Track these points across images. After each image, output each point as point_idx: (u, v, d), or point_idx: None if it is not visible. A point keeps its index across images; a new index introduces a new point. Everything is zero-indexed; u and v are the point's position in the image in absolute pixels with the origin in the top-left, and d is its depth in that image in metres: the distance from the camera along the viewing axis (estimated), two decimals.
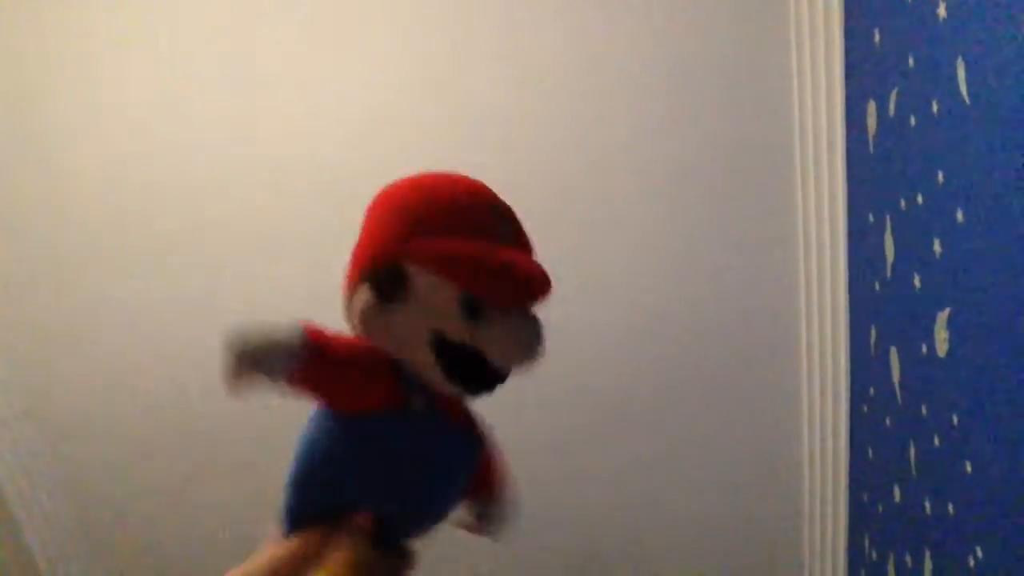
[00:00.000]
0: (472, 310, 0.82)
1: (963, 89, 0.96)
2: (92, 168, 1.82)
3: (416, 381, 0.90)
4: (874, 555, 1.48)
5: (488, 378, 0.92)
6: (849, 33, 1.45)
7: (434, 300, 0.83)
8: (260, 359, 0.86)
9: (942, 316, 1.08)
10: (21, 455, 1.90)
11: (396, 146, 1.74)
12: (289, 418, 0.79)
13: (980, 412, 0.97)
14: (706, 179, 1.70)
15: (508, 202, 0.83)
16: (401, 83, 1.73)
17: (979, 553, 0.99)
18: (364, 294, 0.89)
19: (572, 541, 1.88)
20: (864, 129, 1.40)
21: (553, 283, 0.84)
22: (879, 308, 1.38)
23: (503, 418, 1.86)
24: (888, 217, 1.30)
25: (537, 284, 0.86)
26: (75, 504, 2.00)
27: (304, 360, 0.87)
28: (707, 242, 1.72)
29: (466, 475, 0.99)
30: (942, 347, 1.08)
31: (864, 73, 1.39)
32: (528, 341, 0.86)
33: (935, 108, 1.06)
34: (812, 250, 1.64)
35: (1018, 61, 0.82)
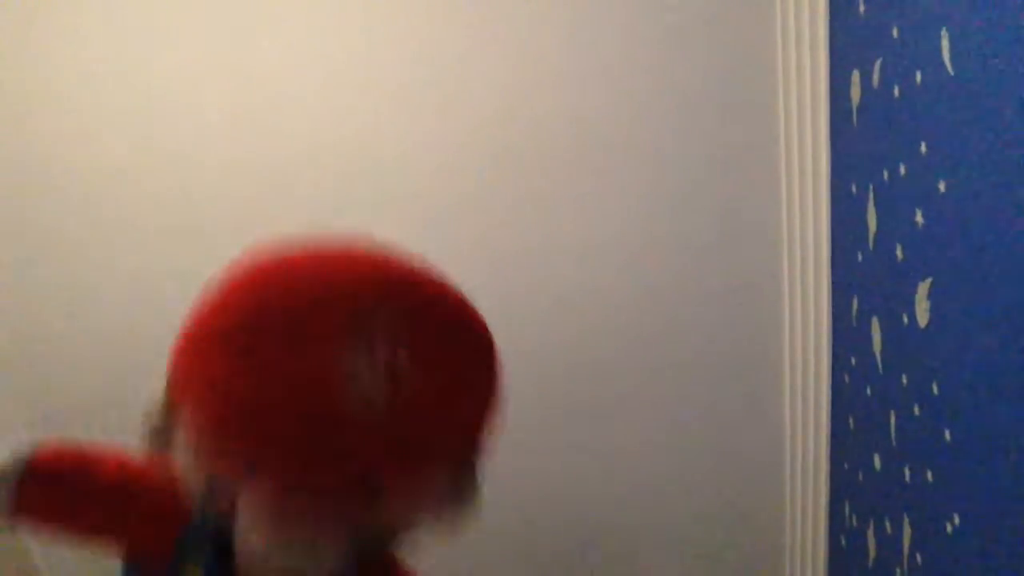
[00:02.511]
0: None
1: (947, 60, 0.96)
2: (89, 167, 1.79)
3: (193, 551, 0.70)
4: (854, 522, 1.50)
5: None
6: (834, 3, 1.45)
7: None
8: None
9: (924, 286, 1.08)
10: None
11: (385, 120, 1.74)
12: None
13: (960, 382, 0.98)
14: (689, 149, 1.69)
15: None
16: (389, 57, 1.72)
17: (956, 520, 1.00)
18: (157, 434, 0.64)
19: (559, 516, 1.89)
20: (848, 99, 1.40)
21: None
22: (861, 278, 1.39)
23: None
24: (871, 187, 1.30)
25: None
26: None
27: (32, 491, 0.70)
28: (690, 213, 1.72)
29: None
30: (923, 317, 1.09)
31: (848, 43, 1.39)
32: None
33: (919, 79, 1.05)
34: (795, 220, 1.64)
35: (1001, 32, 0.82)
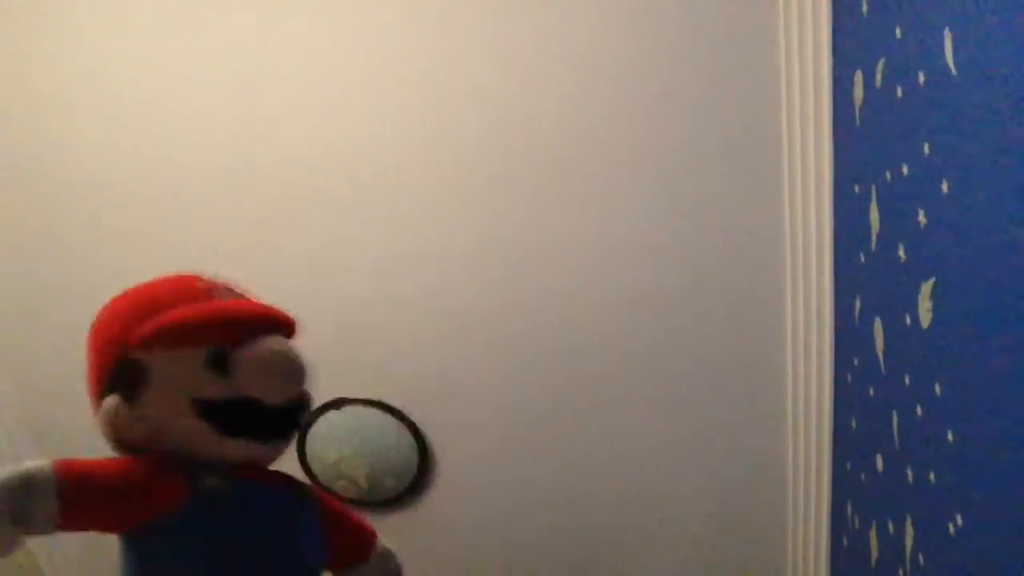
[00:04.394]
0: (217, 363, 0.85)
1: (949, 60, 0.96)
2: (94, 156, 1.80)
3: (201, 465, 0.87)
4: (857, 522, 1.50)
5: (269, 420, 0.89)
6: (837, 3, 1.44)
7: (176, 371, 0.85)
8: (15, 515, 0.77)
9: (926, 287, 1.08)
10: (17, 454, 1.89)
11: (392, 121, 1.74)
12: None
13: (963, 382, 0.98)
14: (692, 149, 1.69)
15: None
16: (403, 65, 1.72)
17: (959, 520, 1.00)
18: (109, 402, 0.88)
19: (561, 516, 1.89)
20: (851, 99, 1.39)
21: (286, 318, 0.92)
22: (864, 278, 1.39)
23: (494, 396, 1.87)
24: (874, 188, 1.30)
25: (265, 318, 0.90)
26: None
27: (66, 502, 0.80)
28: (692, 213, 1.72)
29: (310, 540, 0.94)
30: (926, 317, 1.09)
31: (851, 43, 1.38)
32: (279, 364, 0.87)
33: (921, 79, 1.05)
34: (798, 221, 1.64)
35: (1004, 33, 0.82)
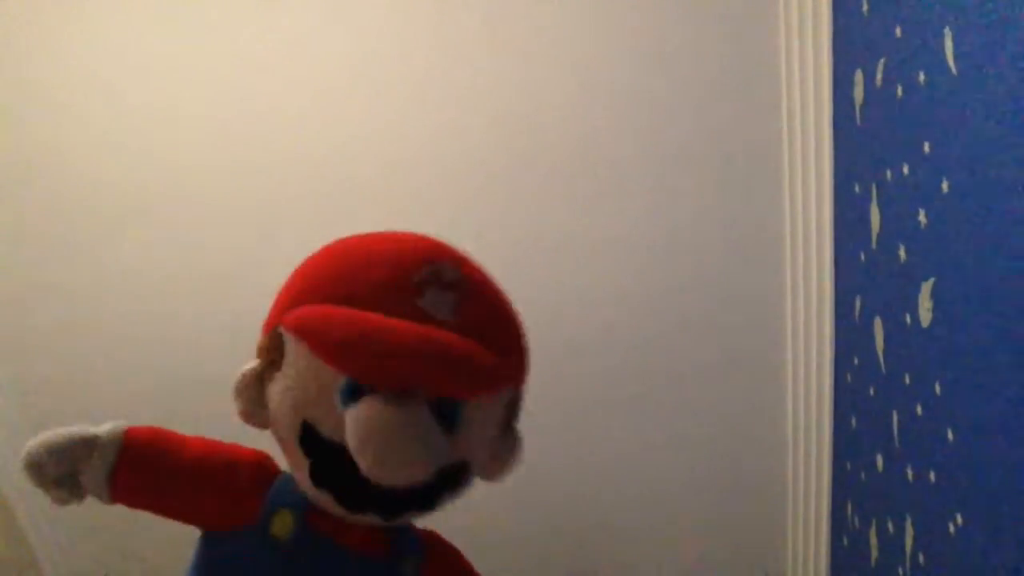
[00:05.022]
0: (346, 398, 0.67)
1: (950, 59, 0.95)
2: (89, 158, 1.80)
3: (285, 498, 0.75)
4: (857, 522, 1.50)
5: (363, 489, 0.70)
6: (837, 2, 1.44)
7: (305, 375, 0.70)
8: (68, 463, 0.74)
9: (927, 286, 1.08)
10: (17, 451, 1.89)
11: (397, 118, 1.74)
12: None
13: (963, 381, 0.98)
14: (692, 149, 1.69)
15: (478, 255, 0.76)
16: (392, 60, 1.72)
17: (959, 520, 1.00)
18: (246, 366, 0.77)
19: (560, 516, 1.89)
20: (851, 99, 1.39)
21: (493, 371, 0.71)
22: (864, 278, 1.39)
23: None
24: (874, 187, 1.30)
25: (439, 367, 0.66)
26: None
27: (124, 466, 0.76)
28: (692, 213, 1.72)
29: None
30: (926, 317, 1.09)
31: (851, 42, 1.38)
32: (388, 441, 0.64)
33: (922, 78, 1.05)
34: (798, 220, 1.64)
35: (1004, 32, 0.82)
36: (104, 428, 0.78)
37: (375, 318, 0.69)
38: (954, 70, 0.95)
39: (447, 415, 0.72)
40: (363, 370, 0.69)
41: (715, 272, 1.74)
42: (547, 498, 1.88)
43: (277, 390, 0.74)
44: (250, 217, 1.79)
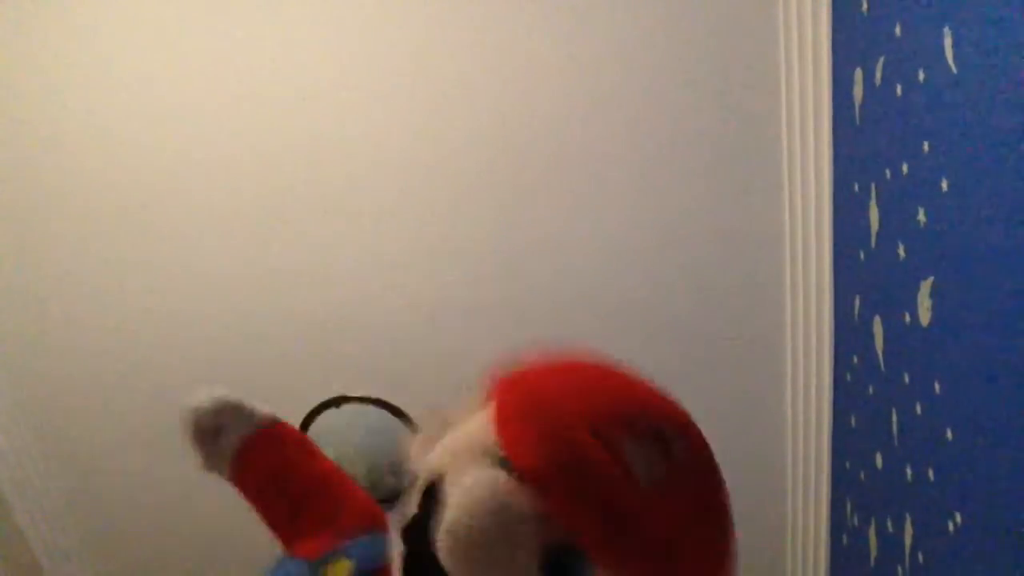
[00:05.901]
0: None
1: (949, 58, 0.95)
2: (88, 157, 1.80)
3: (359, 551, 0.70)
4: (856, 521, 1.50)
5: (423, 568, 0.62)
6: (837, 1, 1.44)
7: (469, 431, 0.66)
8: (218, 421, 0.79)
9: (926, 285, 1.08)
10: (16, 449, 1.89)
11: (392, 119, 1.74)
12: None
13: (962, 380, 0.98)
14: (691, 148, 1.69)
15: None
16: (386, 62, 1.72)
17: (958, 518, 1.00)
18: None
19: None
20: (850, 98, 1.39)
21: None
22: (863, 277, 1.39)
23: None
24: (873, 186, 1.30)
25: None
26: (73, 502, 1.99)
27: (259, 443, 0.80)
28: (692, 212, 1.72)
29: None
30: (925, 316, 1.09)
31: (851, 41, 1.38)
32: (465, 528, 0.57)
33: (921, 77, 1.05)
34: (797, 219, 1.64)
35: (1004, 31, 0.82)
36: (264, 408, 0.81)
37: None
38: (954, 69, 0.95)
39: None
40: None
41: (714, 271, 1.74)
42: None
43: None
44: (251, 216, 1.79)
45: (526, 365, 0.70)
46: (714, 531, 0.73)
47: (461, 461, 0.62)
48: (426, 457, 0.66)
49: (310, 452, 0.85)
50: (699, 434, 0.74)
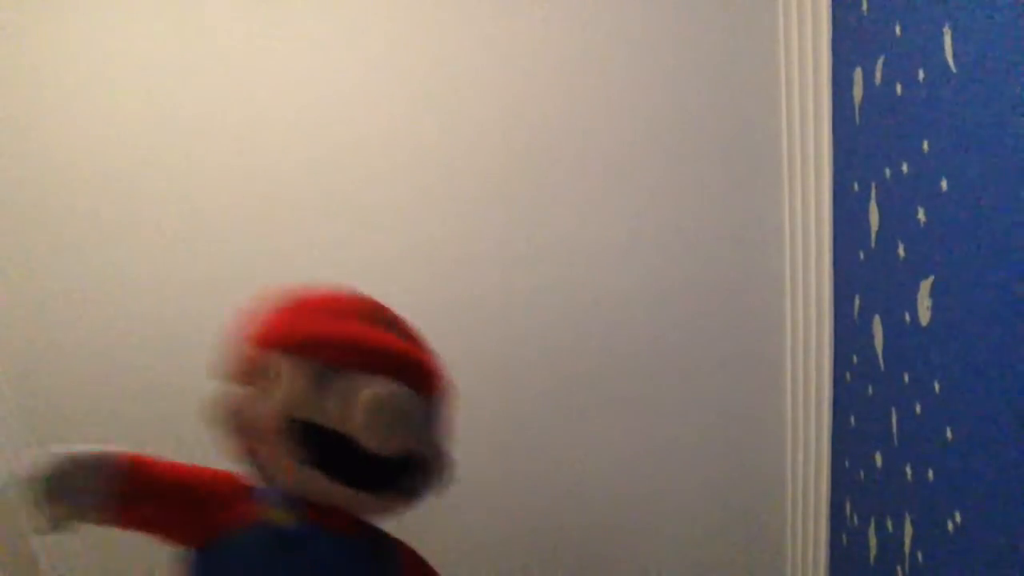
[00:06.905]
0: (321, 379, 0.78)
1: (949, 57, 0.95)
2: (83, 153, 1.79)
3: (279, 494, 0.82)
4: (855, 520, 1.50)
5: (360, 464, 0.81)
6: (836, 0, 1.44)
7: (283, 378, 0.79)
8: (67, 490, 0.77)
9: (925, 284, 1.08)
10: (16, 449, 1.89)
11: (390, 121, 1.74)
12: None
13: (962, 380, 0.98)
14: (691, 147, 1.69)
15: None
16: (389, 63, 1.72)
17: (958, 518, 1.00)
18: (221, 389, 0.84)
19: (558, 514, 1.89)
20: (850, 97, 1.39)
21: (435, 370, 0.90)
22: (863, 277, 1.39)
23: (493, 395, 1.87)
24: (873, 185, 1.30)
25: (396, 357, 0.84)
26: None
27: (121, 492, 0.80)
28: (691, 211, 1.72)
29: None
30: (925, 315, 1.09)
31: (850, 41, 1.38)
32: (388, 408, 0.78)
33: (921, 77, 1.05)
34: (797, 218, 1.64)
35: (1004, 30, 0.82)
36: (99, 449, 0.81)
37: (345, 322, 0.85)
38: (954, 69, 0.95)
39: None
40: (338, 357, 0.82)
41: (713, 271, 1.74)
42: (546, 496, 1.88)
43: (256, 402, 0.80)
44: (251, 217, 1.79)
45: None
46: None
47: (335, 391, 0.78)
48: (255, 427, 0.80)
49: (158, 461, 0.86)
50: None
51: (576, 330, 1.79)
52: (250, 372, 0.84)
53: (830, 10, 1.46)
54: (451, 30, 1.70)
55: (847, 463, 1.55)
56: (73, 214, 1.82)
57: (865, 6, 1.29)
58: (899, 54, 1.14)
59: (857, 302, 1.43)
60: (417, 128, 1.73)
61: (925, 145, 1.05)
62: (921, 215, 1.08)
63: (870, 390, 1.38)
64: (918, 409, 1.14)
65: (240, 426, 0.84)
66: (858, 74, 1.34)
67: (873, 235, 1.31)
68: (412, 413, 0.81)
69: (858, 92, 1.35)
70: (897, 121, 1.16)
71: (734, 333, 1.77)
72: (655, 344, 1.78)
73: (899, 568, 1.24)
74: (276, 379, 0.80)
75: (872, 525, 1.39)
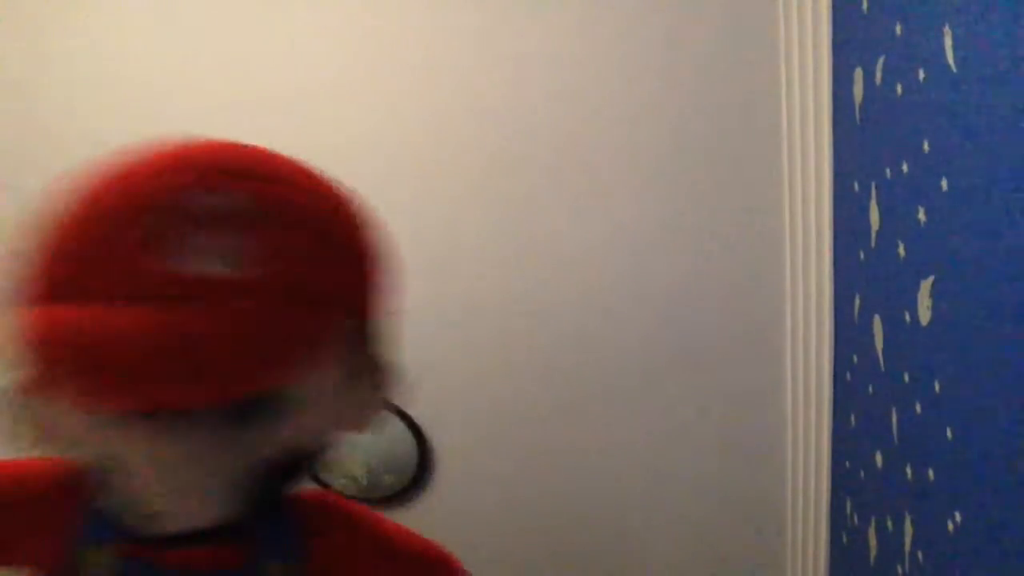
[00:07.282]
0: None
1: (949, 57, 0.96)
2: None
3: (97, 524, 0.58)
4: (856, 520, 1.50)
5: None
6: (837, 1, 1.44)
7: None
8: None
9: (926, 284, 1.08)
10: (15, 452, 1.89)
11: (389, 121, 1.74)
12: None
13: (962, 380, 0.98)
14: (691, 147, 1.69)
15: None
16: (383, 62, 1.72)
17: (958, 518, 1.00)
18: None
19: (557, 512, 1.89)
20: (851, 97, 1.39)
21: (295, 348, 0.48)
22: (863, 276, 1.39)
23: (493, 393, 1.87)
24: (873, 185, 1.30)
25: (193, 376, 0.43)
26: None
27: None
28: (692, 211, 1.72)
29: None
30: (925, 315, 1.09)
31: (851, 41, 1.38)
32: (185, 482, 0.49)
33: (921, 76, 1.05)
34: (798, 218, 1.64)
35: (1004, 30, 0.82)
36: None
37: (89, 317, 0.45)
38: (954, 68, 0.95)
39: (259, 409, 0.51)
40: (87, 402, 0.44)
41: (714, 271, 1.74)
42: (547, 494, 1.88)
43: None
44: None
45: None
46: (336, 235, 0.58)
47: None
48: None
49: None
50: (234, 159, 0.55)
51: (576, 330, 1.79)
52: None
53: (830, 10, 1.46)
54: (454, 33, 1.70)
55: (847, 463, 1.55)
56: None
57: (865, 6, 1.29)
58: (899, 54, 1.14)
59: (857, 302, 1.43)
60: (418, 129, 1.74)
61: (925, 145, 1.05)
62: (921, 215, 1.08)
63: (870, 390, 1.38)
64: (918, 409, 1.14)
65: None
66: (858, 74, 1.34)
67: (873, 235, 1.31)
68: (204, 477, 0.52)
69: (858, 92, 1.35)
70: (897, 121, 1.16)
71: (734, 333, 1.77)
72: (655, 344, 1.78)
73: (899, 568, 1.24)
74: None
75: (872, 525, 1.39)
